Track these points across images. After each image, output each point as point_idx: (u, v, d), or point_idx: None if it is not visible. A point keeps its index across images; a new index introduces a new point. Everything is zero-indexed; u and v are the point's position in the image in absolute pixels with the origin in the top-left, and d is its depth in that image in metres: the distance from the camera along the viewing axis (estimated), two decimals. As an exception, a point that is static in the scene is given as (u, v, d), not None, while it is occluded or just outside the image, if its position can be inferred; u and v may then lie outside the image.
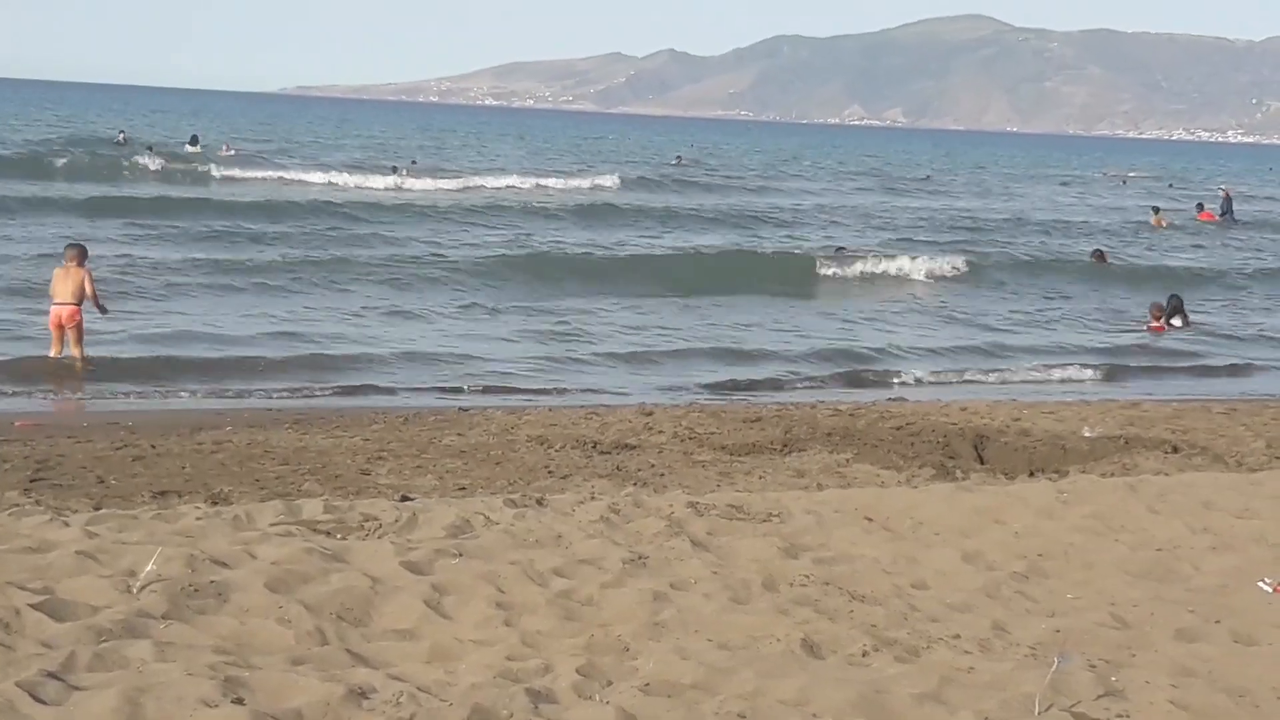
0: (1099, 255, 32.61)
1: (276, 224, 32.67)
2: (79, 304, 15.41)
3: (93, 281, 15.75)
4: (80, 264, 15.66)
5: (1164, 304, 24.91)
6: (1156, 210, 49.00)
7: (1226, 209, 50.64)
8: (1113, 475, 9.96)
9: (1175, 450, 11.10)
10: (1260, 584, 7.03)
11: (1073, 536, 7.84)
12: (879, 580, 6.91)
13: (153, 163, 48.77)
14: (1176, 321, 24.51)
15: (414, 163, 62.74)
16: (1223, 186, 59.64)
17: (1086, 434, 11.69)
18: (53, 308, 15.45)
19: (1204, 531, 8.05)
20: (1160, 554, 7.59)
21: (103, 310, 15.72)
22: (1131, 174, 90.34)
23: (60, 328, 15.38)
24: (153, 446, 10.27)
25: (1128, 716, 5.20)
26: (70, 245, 16.35)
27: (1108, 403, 14.44)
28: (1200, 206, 52.75)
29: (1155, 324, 24.55)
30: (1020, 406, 13.68)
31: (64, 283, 15.49)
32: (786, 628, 6.05)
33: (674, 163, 77.09)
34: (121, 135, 65.44)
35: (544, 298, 23.24)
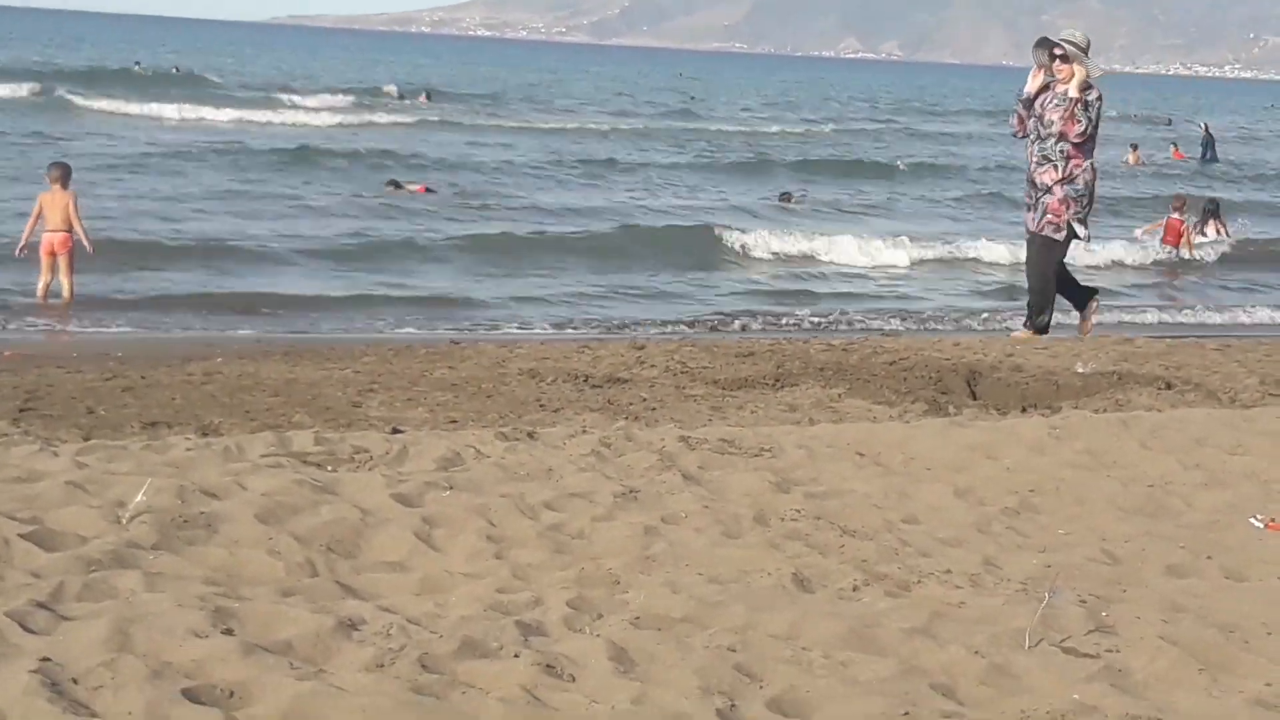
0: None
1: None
2: (69, 230, 15.30)
3: (78, 206, 15.59)
4: (65, 185, 15.50)
5: (1185, 201, 24.78)
6: (1135, 147, 47.88)
7: (1208, 147, 49.93)
8: (1105, 411, 9.95)
9: (1168, 386, 11.08)
10: (1251, 520, 7.04)
11: (1064, 472, 7.84)
12: (870, 515, 6.91)
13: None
14: (1210, 231, 24.34)
15: (427, 95, 62.84)
16: (1203, 122, 58.95)
17: (1079, 370, 11.68)
18: (45, 235, 15.30)
19: (1196, 468, 8.05)
20: (1152, 490, 7.60)
21: (89, 244, 15.53)
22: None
23: (52, 255, 15.27)
24: (142, 377, 10.23)
25: (1117, 651, 5.21)
26: (54, 164, 16.05)
27: (1101, 338, 14.41)
28: (1175, 145, 52.03)
29: (1175, 216, 24.35)
30: (1013, 341, 13.66)
31: (53, 208, 15.33)
32: (777, 562, 6.05)
33: (686, 98, 77.02)
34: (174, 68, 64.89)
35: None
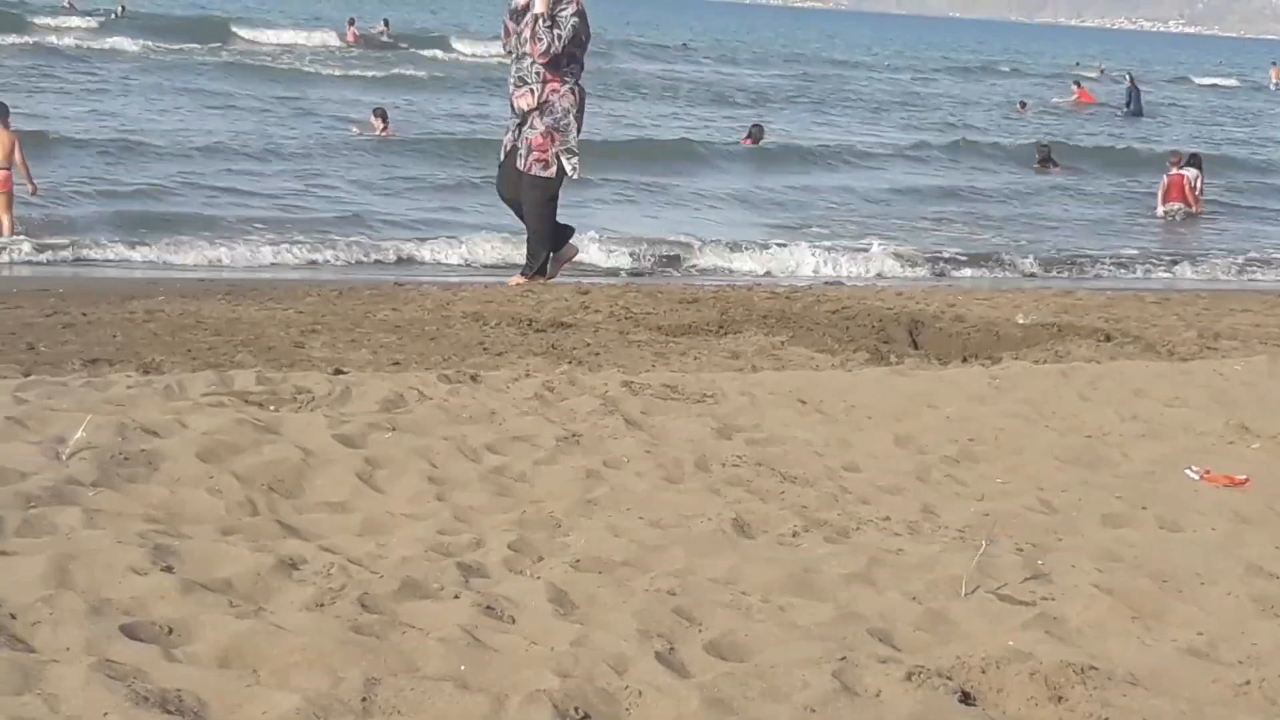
0: (1044, 155, 31.21)
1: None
2: (9, 168, 15.15)
3: (22, 148, 15.45)
4: (5, 125, 15.35)
5: (1181, 157, 24.70)
6: (1024, 104, 48.35)
7: (1131, 99, 50.18)
8: (1045, 362, 10.01)
9: (1108, 338, 11.16)
10: (1187, 471, 7.11)
11: (1004, 422, 7.89)
12: (811, 462, 6.94)
13: None
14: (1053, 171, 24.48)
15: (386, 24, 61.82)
16: (1127, 73, 59.45)
17: (1020, 320, 11.75)
18: None
19: (1133, 419, 8.12)
20: (1089, 440, 7.66)
21: (33, 187, 15.39)
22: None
23: None
24: (83, 314, 10.17)
25: (1052, 599, 5.26)
26: None
27: (1042, 290, 14.51)
28: (1077, 83, 51.96)
29: (1174, 172, 24.30)
30: (955, 292, 13.73)
31: None
32: (718, 507, 6.07)
33: (682, 47, 75.57)
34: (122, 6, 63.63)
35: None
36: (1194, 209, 24.17)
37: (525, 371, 8.68)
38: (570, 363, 9.27)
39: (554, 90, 12.87)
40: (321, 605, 4.67)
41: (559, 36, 12.65)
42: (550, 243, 13.45)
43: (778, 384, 8.54)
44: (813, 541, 5.77)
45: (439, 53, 55.18)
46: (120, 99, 30.39)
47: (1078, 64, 54.96)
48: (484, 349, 9.72)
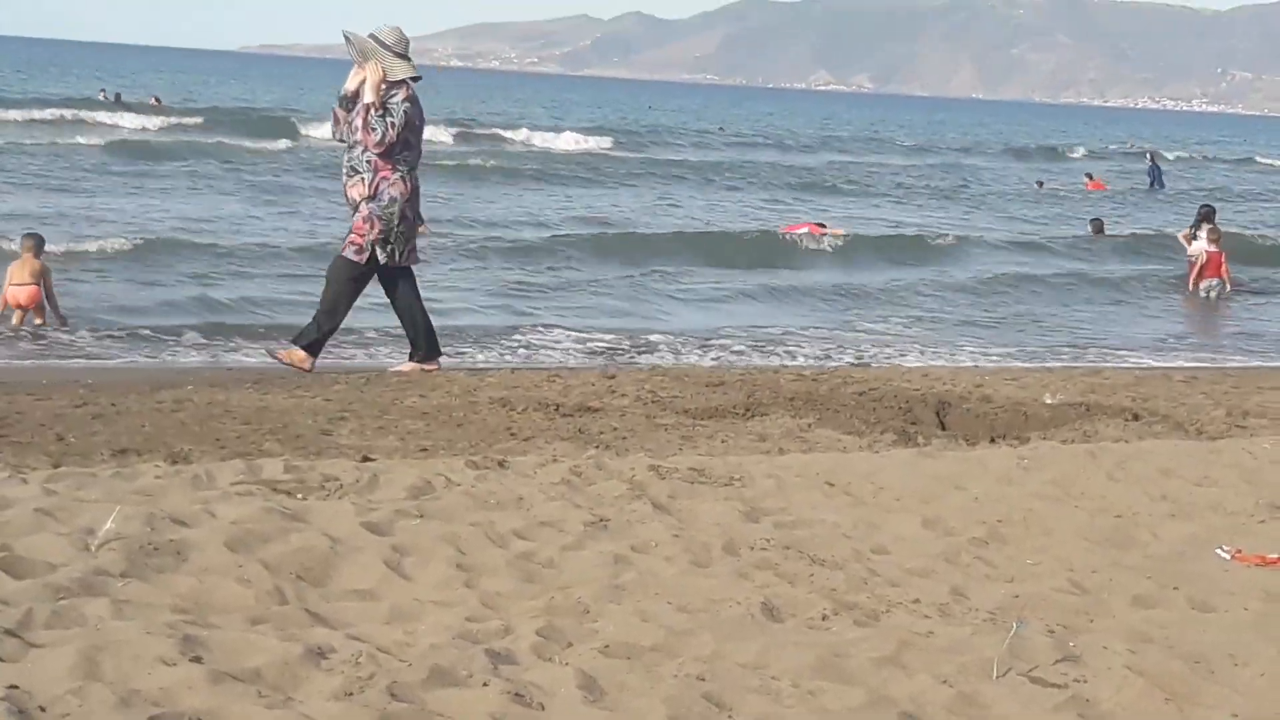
0: (1098, 226, 31.74)
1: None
2: (38, 284, 15.34)
3: (50, 279, 15.62)
4: (36, 255, 15.58)
5: (1219, 234, 24.50)
6: (1041, 184, 48.94)
7: (1154, 176, 50.58)
8: (1073, 442, 9.99)
9: (1136, 418, 11.14)
10: (1218, 551, 7.08)
11: (1032, 503, 7.88)
12: (839, 545, 6.93)
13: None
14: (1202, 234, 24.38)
15: None
16: (1148, 151, 59.94)
17: (1048, 401, 11.74)
18: (10, 289, 15.33)
19: (1163, 499, 8.09)
20: (1119, 521, 7.63)
21: (61, 320, 15.48)
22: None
23: (21, 307, 15.31)
24: (112, 404, 10.21)
25: (1084, 681, 5.23)
26: (26, 235, 16.29)
27: (1069, 369, 14.49)
28: (1089, 176, 52.36)
29: (1211, 249, 24.08)
30: (982, 373, 13.72)
31: (21, 270, 15.42)
32: (746, 591, 6.06)
33: (718, 130, 78.84)
34: (102, 93, 64.78)
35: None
36: (1229, 285, 24.08)
37: (552, 456, 8.70)
38: (597, 447, 9.28)
39: (384, 178, 12.49)
40: (350, 694, 4.67)
41: (393, 124, 12.36)
42: (336, 321, 12.82)
43: (805, 466, 8.54)
44: (842, 625, 5.76)
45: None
46: (184, 197, 30.45)
47: (1149, 153, 55.73)
48: (511, 434, 9.74)
